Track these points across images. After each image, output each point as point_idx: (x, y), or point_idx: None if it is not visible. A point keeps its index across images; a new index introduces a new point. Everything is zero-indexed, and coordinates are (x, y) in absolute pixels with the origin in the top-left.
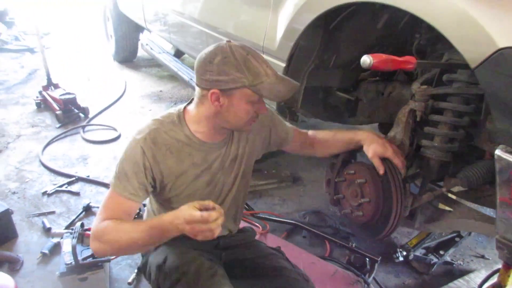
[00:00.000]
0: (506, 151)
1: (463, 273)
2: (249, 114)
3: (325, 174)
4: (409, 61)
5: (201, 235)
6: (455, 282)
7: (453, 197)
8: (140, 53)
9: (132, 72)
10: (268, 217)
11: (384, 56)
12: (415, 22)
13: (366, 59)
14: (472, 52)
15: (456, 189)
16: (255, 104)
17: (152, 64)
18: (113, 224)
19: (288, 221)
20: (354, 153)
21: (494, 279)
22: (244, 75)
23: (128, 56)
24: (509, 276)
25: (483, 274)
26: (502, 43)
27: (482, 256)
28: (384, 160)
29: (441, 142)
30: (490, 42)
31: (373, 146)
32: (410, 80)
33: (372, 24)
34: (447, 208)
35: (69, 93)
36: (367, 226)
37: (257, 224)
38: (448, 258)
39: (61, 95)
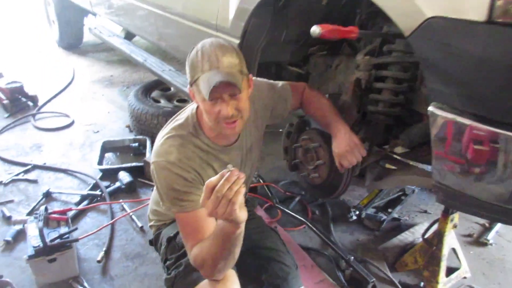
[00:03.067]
0: (438, 107)
1: (409, 227)
2: (211, 114)
3: (282, 143)
4: (353, 31)
5: (224, 203)
6: (402, 234)
7: (397, 157)
8: (86, 38)
9: (79, 58)
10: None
11: (331, 26)
12: None
13: (316, 29)
14: (405, 22)
15: (400, 150)
16: (212, 103)
17: (100, 49)
18: (199, 251)
19: (299, 217)
20: (307, 121)
21: (434, 228)
22: (190, 71)
23: (73, 42)
24: (447, 223)
25: (426, 226)
26: (429, 13)
27: (425, 211)
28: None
29: (384, 107)
30: (419, 13)
31: (334, 145)
32: (355, 53)
33: (318, 1)
34: (393, 167)
35: (15, 82)
36: (323, 186)
37: None
38: (395, 215)
39: (6, 84)
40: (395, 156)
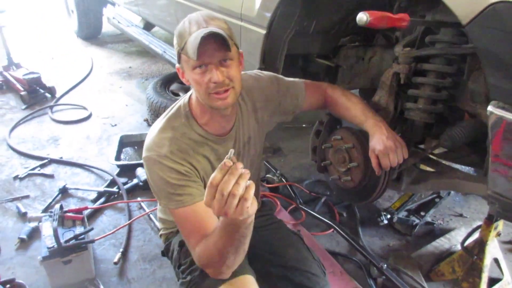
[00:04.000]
0: (498, 107)
1: (443, 232)
2: (200, 85)
3: (311, 142)
4: (403, 18)
5: (232, 201)
6: (437, 241)
7: (436, 158)
8: (105, 28)
9: (97, 49)
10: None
11: (379, 13)
12: None
13: (363, 16)
14: (463, 8)
15: (436, 150)
16: (202, 71)
17: (119, 40)
18: (203, 248)
19: (325, 220)
20: (339, 119)
21: (475, 236)
22: (177, 40)
23: (92, 32)
24: (490, 231)
25: (463, 231)
26: None
27: (461, 215)
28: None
29: (425, 104)
30: None
31: (373, 142)
32: (390, 44)
33: None
34: (429, 169)
35: (33, 73)
36: (355, 190)
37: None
38: (429, 219)
39: (24, 75)
40: (432, 157)
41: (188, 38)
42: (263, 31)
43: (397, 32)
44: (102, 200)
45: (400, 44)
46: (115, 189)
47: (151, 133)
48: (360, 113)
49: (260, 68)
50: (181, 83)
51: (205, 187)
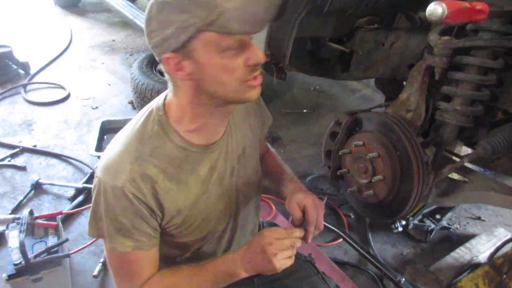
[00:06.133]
0: None
1: (461, 238)
2: (235, 71)
3: (324, 144)
4: (483, 10)
5: (282, 254)
6: (457, 251)
7: (468, 165)
8: None
9: (77, 18)
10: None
11: (456, 3)
12: None
13: (437, 8)
14: None
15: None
16: (236, 52)
17: (101, 9)
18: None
19: (333, 229)
20: (360, 120)
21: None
22: (192, 13)
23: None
24: None
25: (483, 239)
26: None
27: (478, 218)
28: (398, 125)
29: (462, 105)
30: None
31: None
32: (415, 28)
33: None
34: (461, 178)
35: (3, 46)
36: (379, 206)
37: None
38: (444, 223)
39: None
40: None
41: (227, 5)
42: None
43: (421, 13)
44: (80, 198)
45: (435, 31)
46: None
47: (113, 146)
48: (290, 172)
49: (265, 55)
50: None
51: (169, 225)
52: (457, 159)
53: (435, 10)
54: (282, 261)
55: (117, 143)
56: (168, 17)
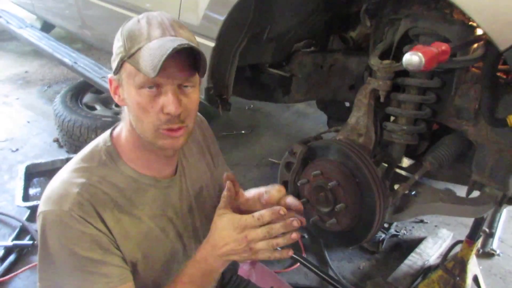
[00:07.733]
0: None
1: (410, 244)
2: (147, 113)
3: (279, 176)
4: (446, 51)
5: (263, 244)
6: (410, 258)
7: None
8: None
9: None
10: None
11: (429, 49)
12: None
13: (414, 58)
14: (503, 34)
15: (405, 164)
16: (152, 94)
17: (8, 37)
18: None
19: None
20: (314, 148)
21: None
22: (123, 43)
23: None
24: (471, 250)
25: (430, 243)
26: None
27: (421, 221)
28: (354, 152)
29: (407, 124)
30: None
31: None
32: (350, 49)
33: None
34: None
35: None
36: (342, 233)
37: None
38: (393, 231)
39: None
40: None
41: (146, 44)
42: (211, 44)
43: (351, 33)
44: (12, 258)
45: (375, 54)
46: (27, 240)
47: (53, 181)
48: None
49: (208, 88)
50: (97, 91)
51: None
52: (403, 172)
53: (411, 59)
54: (267, 246)
55: (56, 179)
56: (121, 40)
